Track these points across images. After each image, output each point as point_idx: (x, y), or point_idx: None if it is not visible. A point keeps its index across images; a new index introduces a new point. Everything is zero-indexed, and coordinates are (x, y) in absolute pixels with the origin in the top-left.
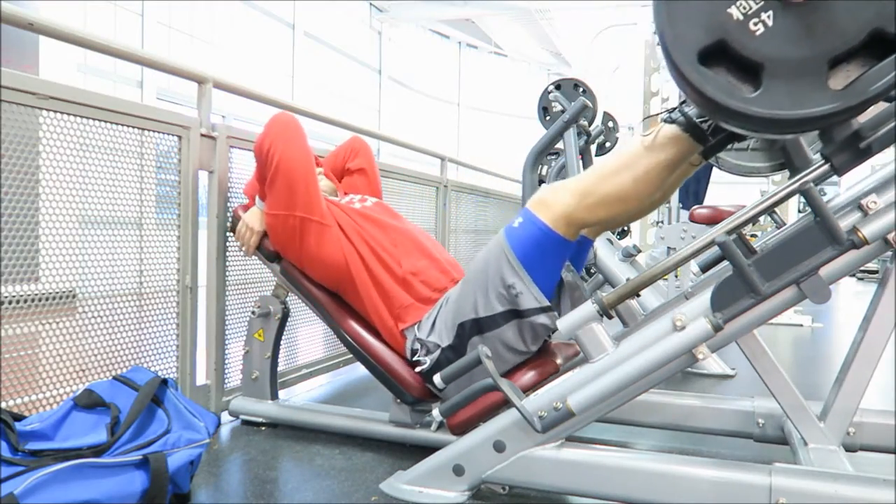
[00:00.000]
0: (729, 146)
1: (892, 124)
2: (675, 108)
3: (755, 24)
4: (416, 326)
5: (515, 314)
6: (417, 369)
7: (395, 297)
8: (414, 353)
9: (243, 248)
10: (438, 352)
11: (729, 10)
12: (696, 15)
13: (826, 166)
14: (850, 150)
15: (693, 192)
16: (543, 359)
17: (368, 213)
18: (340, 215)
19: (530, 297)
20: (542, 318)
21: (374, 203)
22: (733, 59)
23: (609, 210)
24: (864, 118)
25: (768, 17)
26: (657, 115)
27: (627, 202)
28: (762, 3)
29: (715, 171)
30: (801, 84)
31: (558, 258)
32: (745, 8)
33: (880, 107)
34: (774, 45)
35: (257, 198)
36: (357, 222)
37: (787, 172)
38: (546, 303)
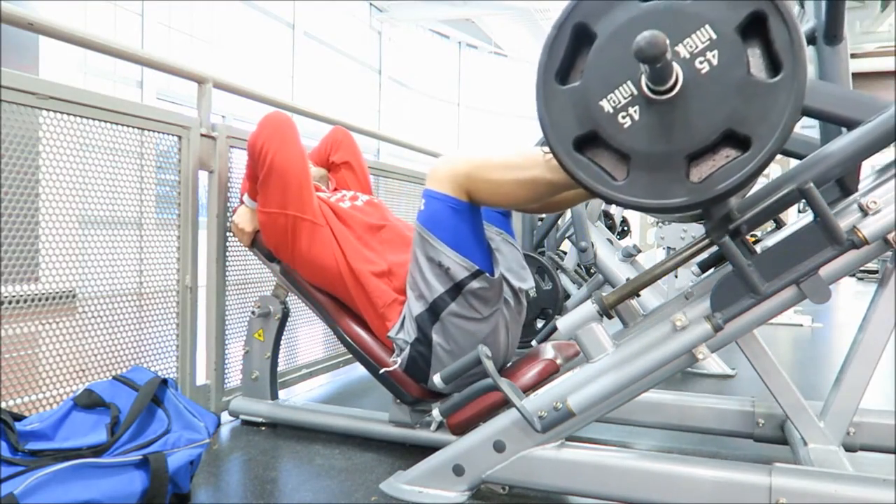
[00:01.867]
0: None
1: (756, 210)
2: None
3: (623, 117)
4: (396, 326)
5: (455, 288)
6: (393, 367)
7: (379, 296)
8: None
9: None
10: (408, 348)
11: (600, 103)
12: (572, 105)
13: (706, 241)
14: (723, 229)
15: None
16: (543, 359)
17: (356, 213)
18: (329, 214)
19: (458, 267)
20: (476, 283)
21: (366, 202)
22: (608, 146)
23: (487, 195)
24: (737, 199)
25: (635, 111)
26: None
27: (503, 197)
28: (630, 98)
29: None
30: (661, 176)
31: (471, 222)
32: (615, 102)
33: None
34: (640, 139)
35: (246, 196)
36: (345, 221)
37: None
38: (473, 267)
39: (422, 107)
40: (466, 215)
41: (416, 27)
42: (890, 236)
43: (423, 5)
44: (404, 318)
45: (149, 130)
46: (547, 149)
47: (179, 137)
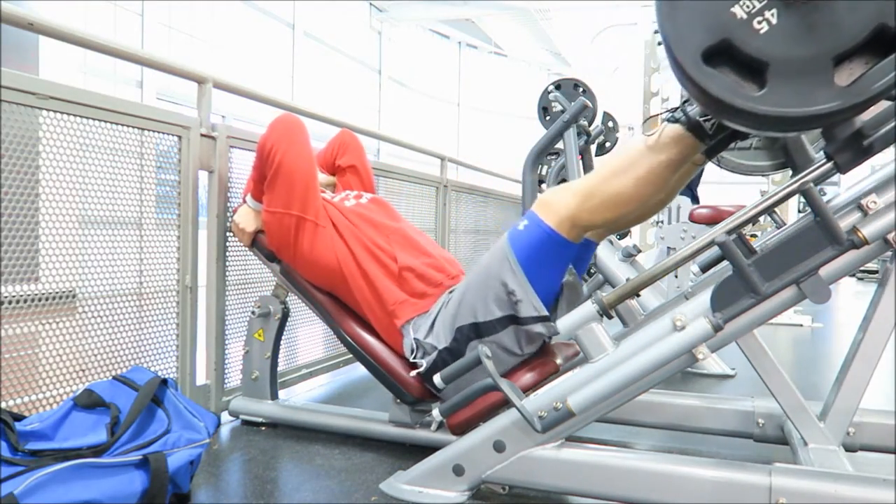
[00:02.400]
0: (731, 145)
1: (893, 124)
2: (677, 108)
3: (759, 22)
4: (411, 324)
5: (513, 320)
6: (414, 371)
7: (389, 294)
8: (412, 352)
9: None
10: (435, 354)
11: (732, 10)
12: (700, 15)
13: (829, 164)
14: (852, 149)
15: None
16: (543, 359)
17: (363, 210)
18: (335, 214)
19: (529, 305)
20: (538, 328)
21: (370, 200)
22: (738, 59)
23: (612, 211)
24: (866, 116)
25: (772, 15)
26: (658, 115)
27: (630, 203)
28: (766, 1)
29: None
30: (805, 82)
31: (561, 261)
32: (748, 7)
33: (884, 104)
34: (779, 44)
35: (249, 196)
36: (351, 220)
37: (787, 172)
38: (544, 312)
39: (422, 107)
40: (562, 252)
41: (416, 27)
42: (890, 236)
43: (423, 5)
44: (435, 321)
45: (149, 130)
46: (649, 132)
47: (179, 137)
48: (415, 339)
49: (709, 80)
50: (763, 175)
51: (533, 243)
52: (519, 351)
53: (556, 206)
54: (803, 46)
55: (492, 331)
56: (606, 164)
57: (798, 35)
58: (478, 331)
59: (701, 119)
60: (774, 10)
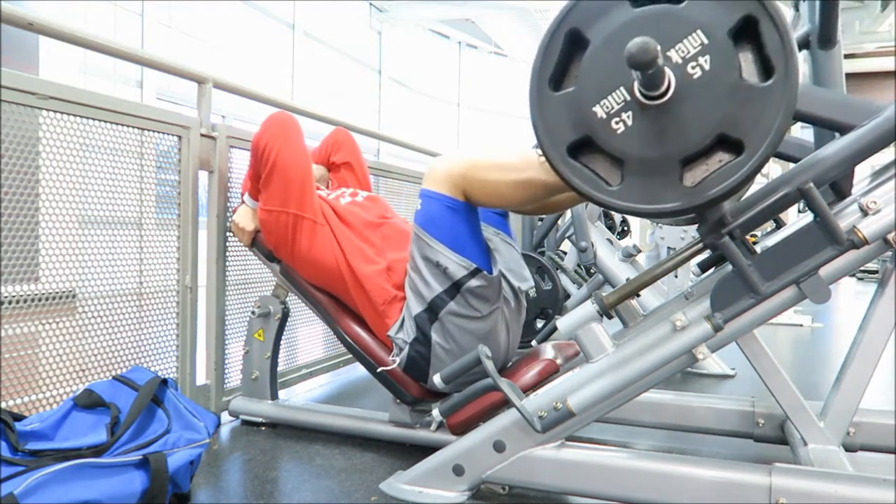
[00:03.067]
0: None
1: (751, 213)
2: None
3: (616, 122)
4: (396, 324)
5: (454, 287)
6: (381, 368)
7: (378, 294)
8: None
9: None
10: (407, 347)
11: (594, 109)
12: (566, 111)
13: (700, 244)
14: (716, 233)
15: None
16: (543, 359)
17: (356, 209)
18: (329, 213)
19: (456, 266)
20: (475, 281)
21: (366, 198)
22: (602, 151)
23: (483, 196)
24: (730, 203)
25: (628, 117)
26: None
27: (499, 198)
28: (622, 104)
29: None
30: (655, 181)
31: (466, 220)
32: (608, 107)
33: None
34: (633, 144)
35: (246, 196)
36: (344, 220)
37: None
38: (472, 266)
39: (422, 107)
40: (463, 214)
41: (416, 27)
42: (890, 236)
43: (423, 5)
44: (404, 317)
45: (149, 130)
46: (541, 151)
47: (179, 137)
48: (387, 335)
49: (572, 173)
50: (676, 225)
51: (433, 214)
52: (476, 313)
53: (440, 173)
54: (654, 148)
55: (441, 305)
56: (498, 152)
57: (650, 137)
58: (432, 312)
59: None
60: (630, 113)
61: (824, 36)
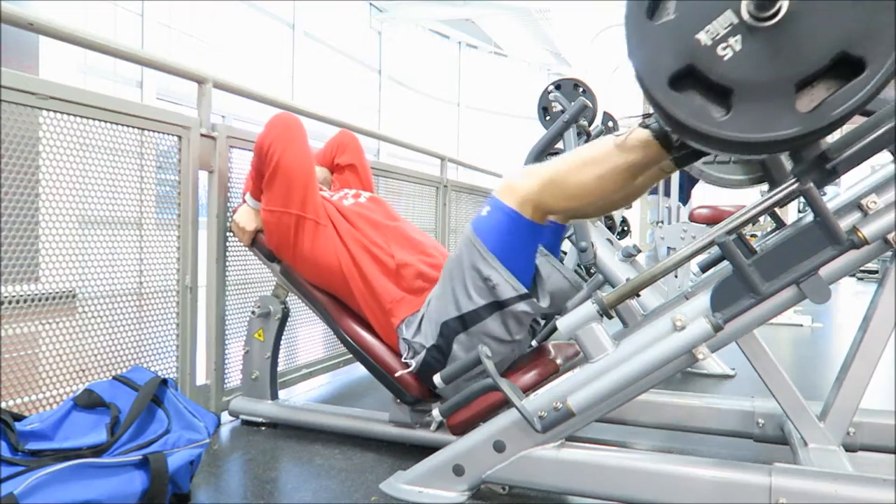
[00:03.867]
0: (710, 159)
1: (856, 147)
2: (651, 114)
3: (723, 48)
4: (404, 323)
5: (496, 305)
6: (404, 371)
7: (386, 293)
8: (404, 352)
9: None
10: (424, 352)
11: (697, 36)
12: (666, 41)
13: (797, 185)
14: (818, 170)
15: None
16: (543, 359)
17: (361, 210)
18: (333, 213)
19: (507, 286)
20: (521, 306)
21: (369, 199)
22: (704, 83)
23: (572, 201)
24: (833, 138)
25: (736, 41)
26: (636, 116)
27: (590, 196)
28: (729, 28)
29: None
30: (768, 107)
31: (528, 242)
32: (713, 33)
33: (858, 121)
34: (742, 70)
35: (248, 195)
36: (349, 220)
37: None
38: (523, 290)
39: (422, 107)
40: (528, 234)
41: (416, 27)
42: (890, 236)
43: (423, 5)
44: (422, 320)
45: (149, 130)
46: (618, 132)
47: (179, 137)
48: (403, 338)
49: (675, 105)
50: (742, 188)
51: (497, 227)
52: (509, 337)
53: (519, 188)
54: (766, 72)
55: (477, 320)
56: (575, 154)
57: (761, 61)
58: (463, 323)
59: (669, 130)
60: (738, 37)
61: None
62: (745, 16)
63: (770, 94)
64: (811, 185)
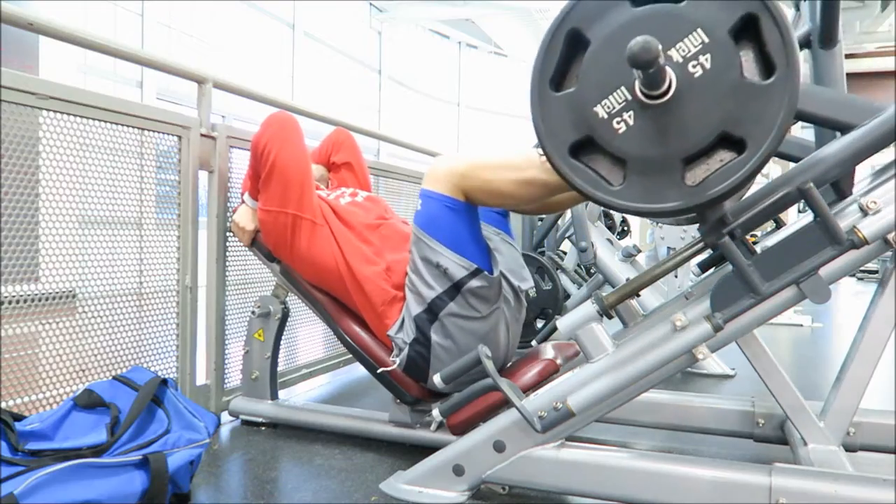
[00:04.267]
0: None
1: (749, 214)
2: None
3: (618, 122)
4: (395, 324)
5: (454, 288)
6: (382, 369)
7: (377, 295)
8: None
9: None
10: (407, 348)
11: (595, 109)
12: (567, 112)
13: (701, 244)
14: (717, 233)
15: None
16: (543, 359)
17: (356, 209)
18: (328, 212)
19: (457, 266)
20: (475, 282)
21: (366, 198)
22: (603, 151)
23: (482, 195)
24: (731, 203)
25: (629, 116)
26: None
27: (499, 197)
28: (624, 103)
29: None
30: (657, 180)
31: (466, 220)
32: (609, 107)
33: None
34: (635, 144)
35: (247, 195)
36: (344, 220)
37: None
38: (472, 266)
39: (422, 107)
40: (463, 215)
41: (416, 27)
42: (890, 236)
43: (423, 5)
44: (403, 317)
45: (149, 130)
46: (543, 151)
47: (179, 137)
48: (388, 335)
49: (574, 173)
50: (677, 224)
51: (433, 214)
52: (475, 312)
53: (442, 176)
54: (656, 147)
55: (441, 306)
56: (498, 154)
57: (652, 136)
58: (431, 312)
59: None
60: (632, 112)
61: (825, 35)
62: (638, 93)
63: (660, 167)
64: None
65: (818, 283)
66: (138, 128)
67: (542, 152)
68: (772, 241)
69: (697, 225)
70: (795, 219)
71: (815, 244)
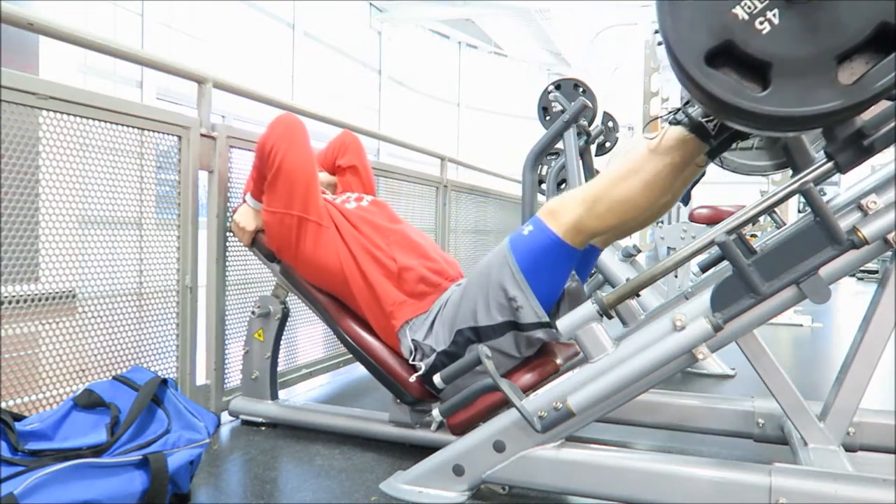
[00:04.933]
0: (733, 146)
1: (892, 124)
2: (678, 110)
3: (761, 23)
4: (408, 325)
5: (514, 325)
6: (415, 375)
7: (387, 296)
8: (411, 354)
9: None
10: (434, 356)
11: (734, 11)
12: (701, 16)
13: (829, 164)
14: (853, 148)
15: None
16: (543, 359)
17: (363, 213)
18: (336, 215)
19: (531, 311)
20: (539, 334)
21: (371, 202)
22: (740, 59)
23: (619, 217)
24: (866, 116)
25: (774, 15)
26: (658, 117)
27: (637, 207)
28: (767, 1)
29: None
30: (808, 81)
31: (564, 268)
32: (750, 7)
33: (884, 104)
34: (781, 44)
35: (248, 195)
36: (352, 222)
37: (787, 172)
38: (546, 318)
39: (422, 107)
40: (565, 260)
41: (416, 27)
42: (890, 236)
43: (423, 5)
44: (434, 322)
45: (149, 130)
46: (649, 136)
47: (179, 137)
48: (413, 340)
49: (712, 82)
50: (765, 174)
51: (536, 249)
52: (517, 354)
53: (563, 213)
54: (805, 46)
55: (491, 335)
56: (611, 169)
57: (800, 35)
58: (477, 335)
59: (703, 120)
60: (776, 11)
61: None
62: None
63: (810, 68)
64: (811, 185)
65: (818, 283)
66: (138, 128)
67: (648, 137)
68: (772, 241)
69: (825, 145)
70: (795, 218)
71: (815, 244)
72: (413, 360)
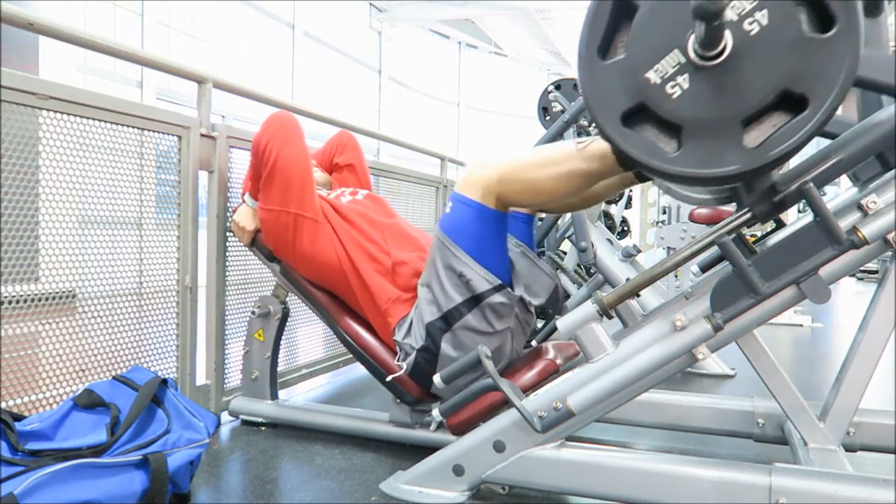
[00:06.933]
0: None
1: (801, 181)
2: None
3: (672, 87)
4: (398, 325)
5: (474, 300)
6: (392, 375)
7: (382, 293)
8: (395, 355)
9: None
10: (414, 353)
11: (647, 75)
12: (618, 78)
13: (748, 215)
14: (767, 202)
15: None
16: (543, 359)
17: (358, 207)
18: (330, 211)
19: (480, 279)
20: (497, 297)
21: (365, 196)
22: (656, 118)
23: (525, 196)
24: (785, 169)
25: (684, 80)
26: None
27: (543, 195)
28: (677, 67)
29: None
30: (716, 143)
31: (497, 232)
32: (661, 72)
33: (806, 153)
34: (690, 107)
35: (247, 195)
36: (346, 217)
37: None
38: (496, 281)
39: (422, 107)
40: (494, 224)
41: (416, 27)
42: (890, 236)
43: (423, 5)
44: (412, 322)
45: (149, 130)
46: (580, 140)
47: (179, 137)
48: (394, 340)
49: (627, 142)
50: (707, 206)
51: (462, 221)
52: (491, 328)
53: (478, 180)
54: (713, 109)
55: (457, 317)
56: (535, 151)
57: (708, 99)
58: (446, 321)
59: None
60: (686, 75)
61: (871, 2)
62: (692, 55)
63: (718, 130)
64: (810, 185)
65: (818, 283)
66: (138, 128)
67: (579, 142)
68: (772, 241)
69: (738, 200)
70: (795, 218)
71: (815, 244)
72: (397, 360)
